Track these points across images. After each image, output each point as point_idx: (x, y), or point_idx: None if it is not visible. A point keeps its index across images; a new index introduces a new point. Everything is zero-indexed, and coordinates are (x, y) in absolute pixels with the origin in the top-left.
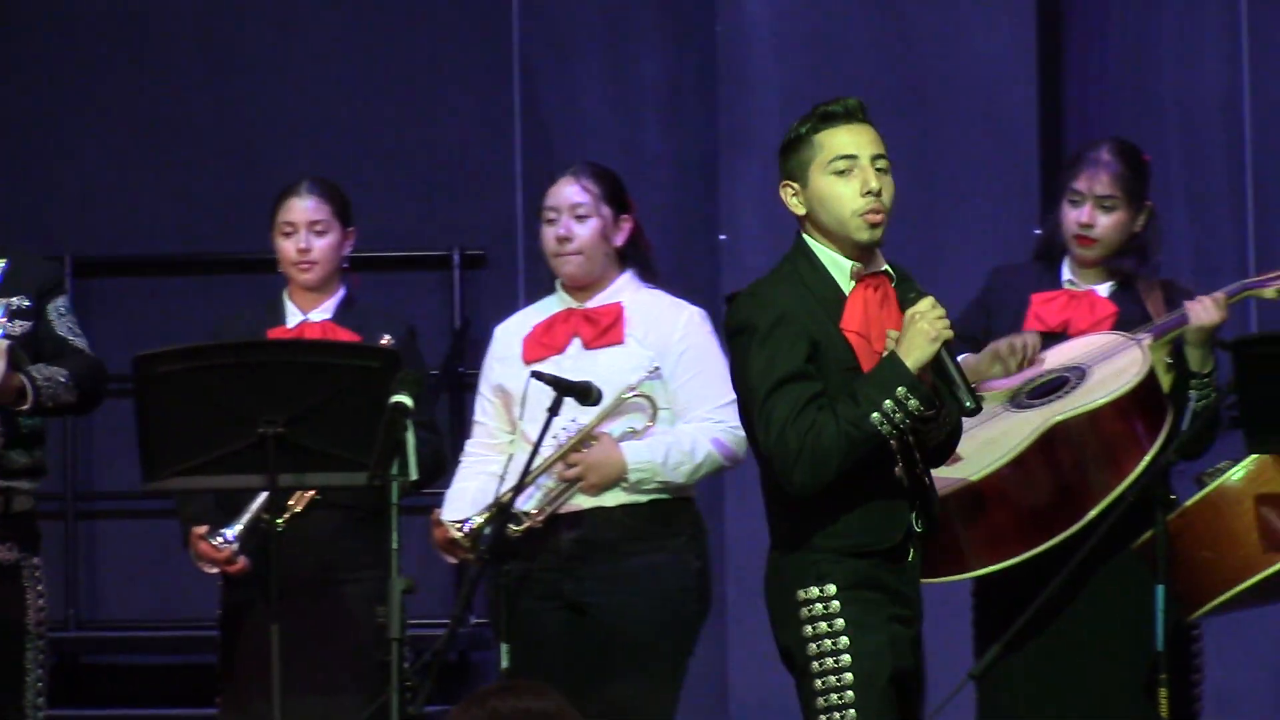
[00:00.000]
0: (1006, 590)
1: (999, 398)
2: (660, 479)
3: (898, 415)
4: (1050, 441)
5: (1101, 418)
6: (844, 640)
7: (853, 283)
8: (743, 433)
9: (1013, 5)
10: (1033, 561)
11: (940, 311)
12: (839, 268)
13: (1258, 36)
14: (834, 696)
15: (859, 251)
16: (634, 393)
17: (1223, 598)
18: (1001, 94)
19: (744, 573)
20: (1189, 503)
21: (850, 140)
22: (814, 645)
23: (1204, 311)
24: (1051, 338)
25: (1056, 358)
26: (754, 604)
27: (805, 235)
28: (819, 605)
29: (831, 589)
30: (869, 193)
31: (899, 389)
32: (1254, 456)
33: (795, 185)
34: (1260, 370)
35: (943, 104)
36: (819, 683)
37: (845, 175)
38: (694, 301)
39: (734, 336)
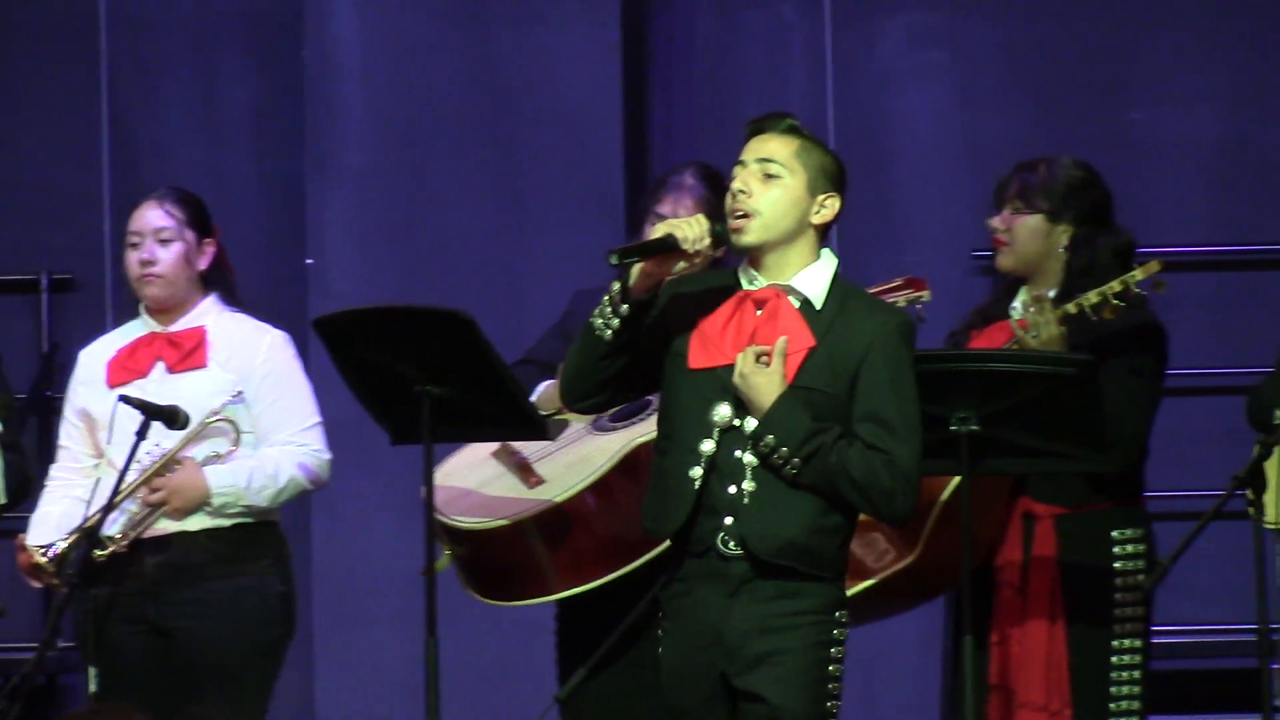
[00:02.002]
0: (590, 612)
1: (585, 419)
2: (244, 503)
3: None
4: (633, 463)
5: None
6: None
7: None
8: (326, 455)
9: (597, 30)
10: (618, 584)
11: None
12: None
13: (842, 60)
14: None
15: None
16: (217, 417)
17: None
18: (586, 118)
19: (331, 595)
20: None
21: (747, 147)
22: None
23: None
24: None
25: None
26: (341, 626)
27: None
28: None
29: None
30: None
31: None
32: None
33: None
34: None
35: (528, 128)
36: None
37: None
38: (281, 325)
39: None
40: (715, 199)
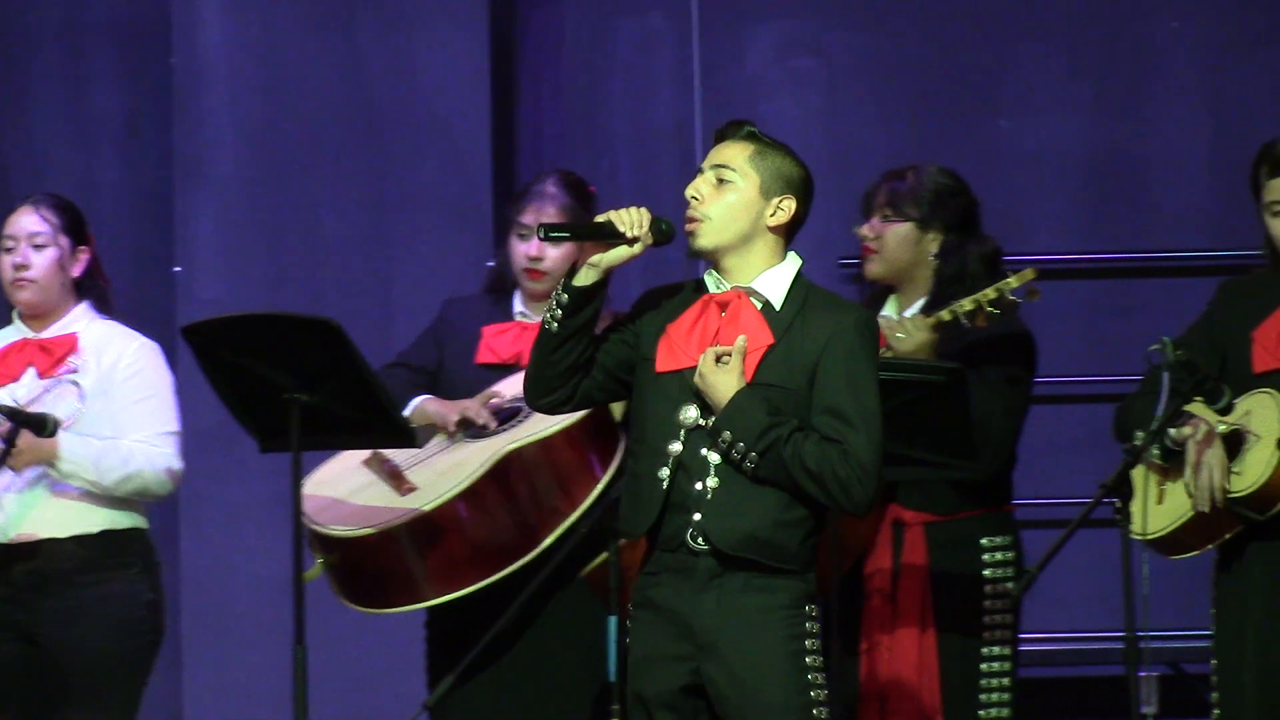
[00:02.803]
0: (460, 619)
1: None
2: (89, 477)
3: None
4: (503, 470)
5: (553, 446)
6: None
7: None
8: (178, 465)
9: (466, 38)
10: (488, 591)
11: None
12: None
13: (710, 68)
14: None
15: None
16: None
17: None
18: (454, 126)
19: (200, 603)
20: None
21: (708, 155)
22: None
23: None
24: (506, 370)
25: (511, 388)
26: (210, 633)
27: None
28: None
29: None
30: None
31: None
32: None
33: None
34: None
35: (396, 136)
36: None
37: None
38: (150, 333)
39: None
40: (579, 206)
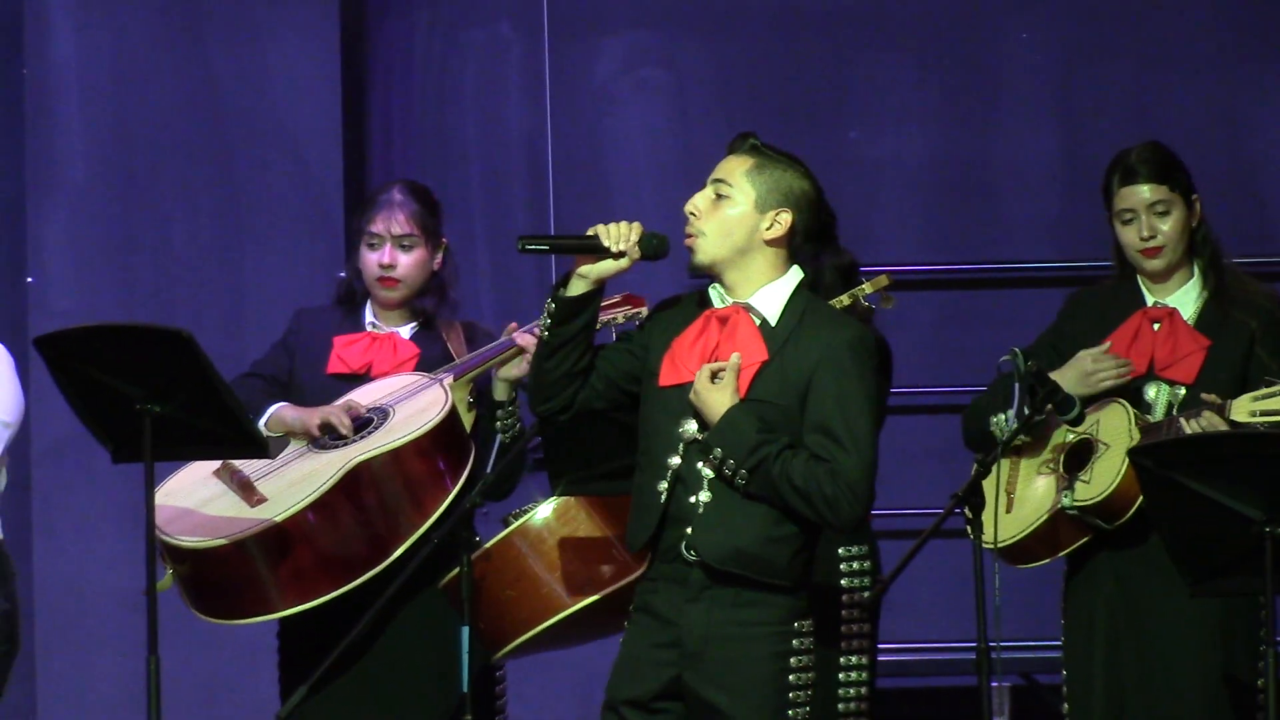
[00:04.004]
0: (312, 631)
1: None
2: None
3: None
4: (354, 481)
5: (403, 457)
6: None
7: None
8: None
9: (317, 49)
10: (339, 602)
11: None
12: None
13: (560, 77)
14: None
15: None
16: None
17: (524, 638)
18: (305, 136)
19: (53, 613)
20: (491, 543)
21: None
22: None
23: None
24: (356, 380)
25: (366, 397)
26: (63, 644)
27: None
28: None
29: None
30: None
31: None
32: (557, 497)
33: None
34: None
35: (247, 146)
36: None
37: None
38: (1, 343)
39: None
40: (426, 213)
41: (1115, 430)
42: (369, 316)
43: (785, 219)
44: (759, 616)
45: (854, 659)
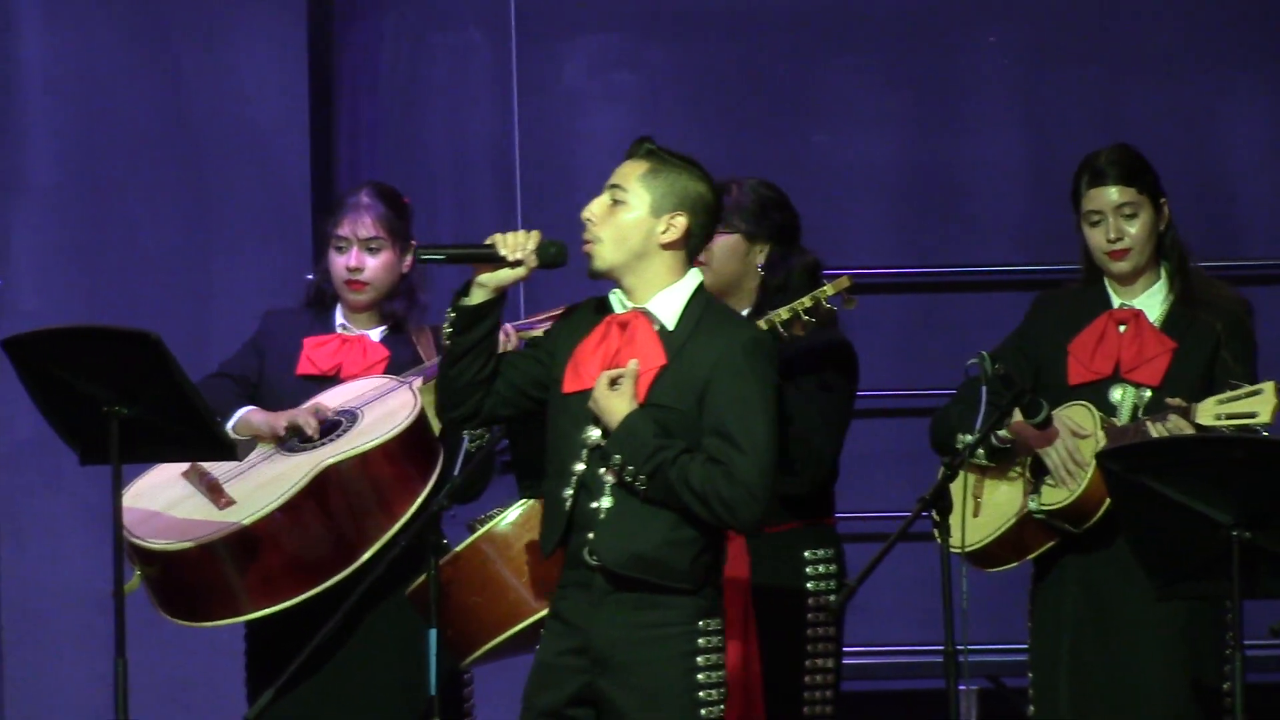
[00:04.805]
0: (280, 634)
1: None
2: None
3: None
4: (322, 485)
5: (372, 460)
6: None
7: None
8: None
9: (284, 52)
10: (307, 605)
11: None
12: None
13: (528, 81)
14: None
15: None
16: None
17: (491, 644)
18: (273, 139)
19: (19, 615)
20: (460, 547)
21: None
22: None
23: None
24: (326, 382)
25: (334, 399)
26: (30, 646)
27: None
28: None
29: None
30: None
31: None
32: (525, 502)
33: None
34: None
35: (215, 149)
36: None
37: None
38: None
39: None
40: (394, 216)
41: None
42: (339, 319)
43: (680, 222)
44: (663, 618)
45: (819, 662)
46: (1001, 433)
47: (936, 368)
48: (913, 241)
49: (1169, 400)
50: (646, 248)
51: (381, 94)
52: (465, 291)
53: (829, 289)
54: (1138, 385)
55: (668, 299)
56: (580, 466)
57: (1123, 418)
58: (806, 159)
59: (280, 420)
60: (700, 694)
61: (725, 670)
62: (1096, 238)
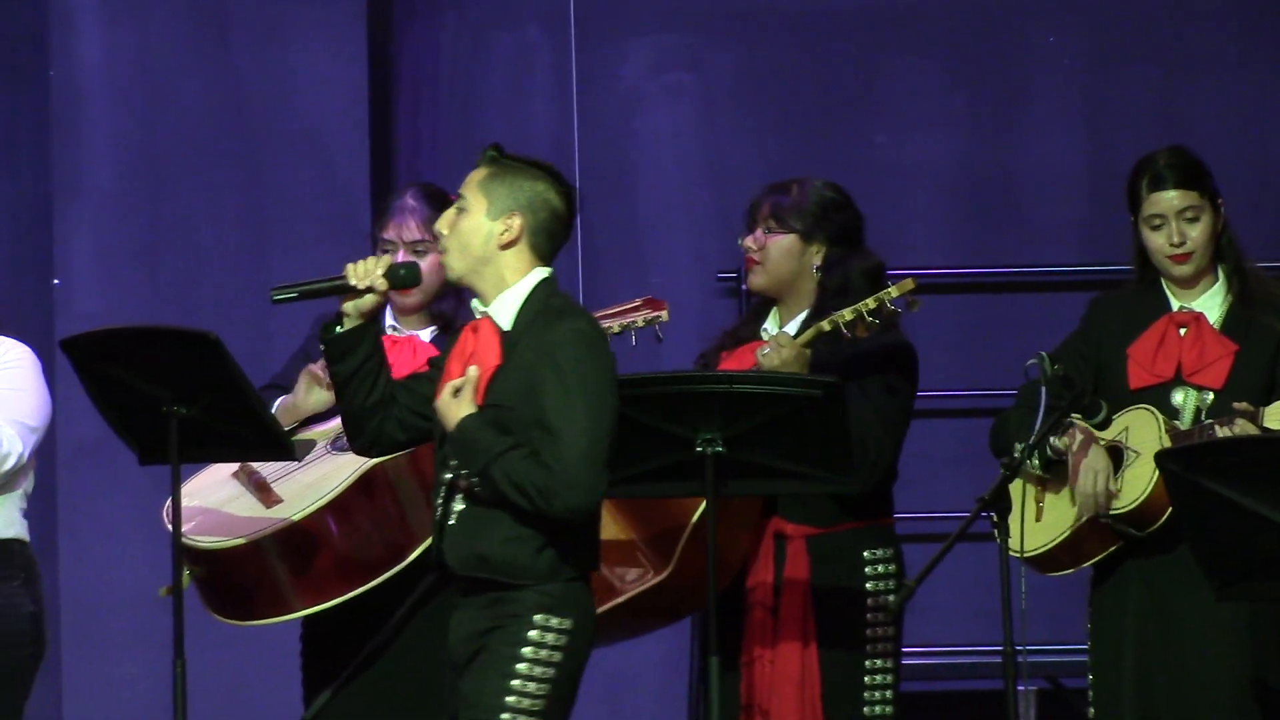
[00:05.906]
0: (336, 634)
1: (325, 436)
2: None
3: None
4: (370, 482)
5: (420, 458)
6: None
7: None
8: (27, 460)
9: (344, 51)
10: (362, 604)
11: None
12: None
13: (587, 81)
14: None
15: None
16: None
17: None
18: (332, 139)
19: (78, 615)
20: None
21: None
22: None
23: None
24: None
25: None
26: (89, 646)
27: None
28: None
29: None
30: None
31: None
32: None
33: None
34: None
35: (274, 149)
36: None
37: None
38: (28, 346)
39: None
40: (439, 217)
41: (1145, 437)
42: (389, 320)
43: (515, 222)
44: (503, 611)
45: (878, 662)
46: (1054, 441)
47: (995, 368)
48: (972, 241)
49: (1236, 405)
50: (487, 252)
51: (441, 93)
52: (337, 321)
53: (893, 290)
54: (1200, 388)
55: (506, 300)
56: (447, 475)
57: (1185, 421)
58: (867, 159)
59: (300, 384)
60: (512, 683)
61: (562, 671)
62: (1158, 241)
